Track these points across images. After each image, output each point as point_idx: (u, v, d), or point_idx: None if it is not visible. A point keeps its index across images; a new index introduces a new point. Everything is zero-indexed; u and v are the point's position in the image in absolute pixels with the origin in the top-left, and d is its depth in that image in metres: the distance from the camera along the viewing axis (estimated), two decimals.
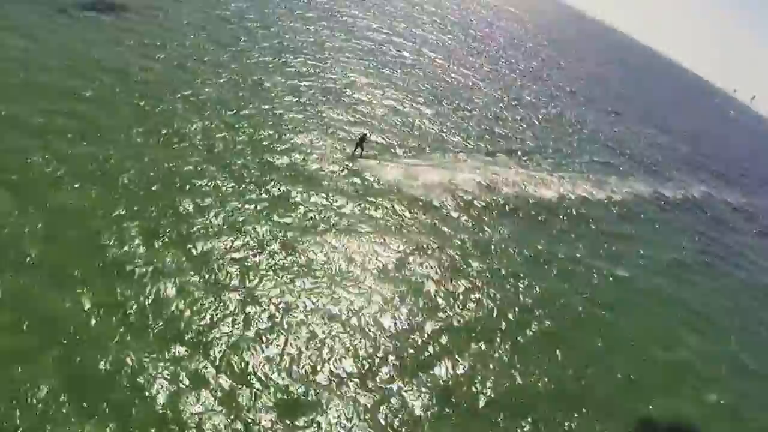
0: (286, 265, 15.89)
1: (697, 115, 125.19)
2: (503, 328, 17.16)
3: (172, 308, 12.87)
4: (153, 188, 17.14)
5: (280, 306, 14.24)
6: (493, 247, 21.76)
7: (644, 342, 20.16)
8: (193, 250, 15.00)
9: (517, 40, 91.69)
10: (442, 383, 14.00)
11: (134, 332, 11.88)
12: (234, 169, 19.77)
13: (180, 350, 11.86)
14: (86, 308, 11.98)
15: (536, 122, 44.13)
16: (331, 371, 12.97)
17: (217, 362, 11.94)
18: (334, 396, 12.35)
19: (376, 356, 13.96)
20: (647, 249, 28.84)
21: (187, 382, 11.27)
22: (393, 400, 12.93)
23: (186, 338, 12.25)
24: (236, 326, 13.09)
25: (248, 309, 13.73)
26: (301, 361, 12.90)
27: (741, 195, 53.49)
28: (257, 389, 11.72)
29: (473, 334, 16.26)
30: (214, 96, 25.15)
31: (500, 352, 16.03)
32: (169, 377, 11.19)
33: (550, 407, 14.68)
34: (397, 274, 17.59)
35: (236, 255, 15.45)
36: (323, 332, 14.04)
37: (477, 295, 18.15)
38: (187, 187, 17.85)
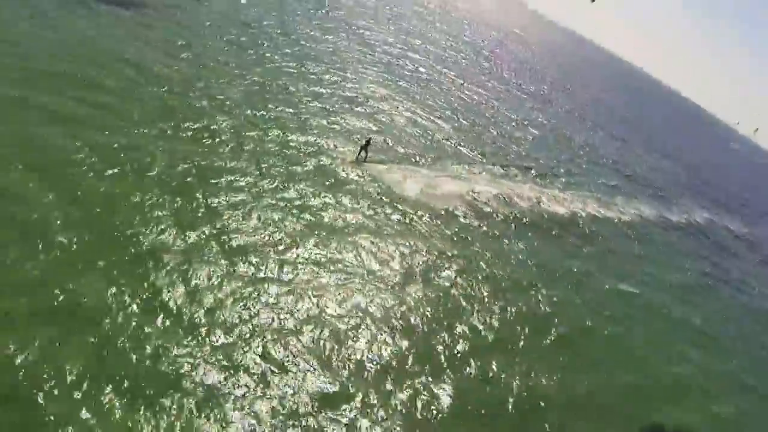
0: (319, 261, 16.46)
1: (699, 144, 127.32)
2: (520, 334, 17.74)
3: (210, 298, 13.30)
4: (187, 180, 17.65)
5: (314, 299, 14.78)
6: (512, 257, 22.46)
7: (649, 355, 20.86)
8: (228, 243, 15.45)
9: (524, 63, 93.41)
10: (460, 384, 14.51)
11: (171, 322, 12.24)
12: (264, 168, 20.33)
13: (219, 339, 12.35)
14: (121, 298, 12.16)
15: (547, 143, 45.13)
16: (361, 365, 13.47)
17: (257, 351, 12.44)
18: (363, 388, 12.85)
19: (400, 353, 14.49)
20: (653, 268, 29.64)
21: (225, 369, 11.78)
22: (417, 397, 13.46)
23: (223, 327, 12.72)
24: (272, 317, 13.62)
25: (283, 300, 14.26)
26: (335, 353, 13.41)
27: (742, 224, 54.60)
28: (295, 378, 12.25)
29: (492, 338, 16.84)
30: (240, 97, 25.74)
31: (516, 356, 16.58)
32: (208, 364, 11.66)
33: (559, 413, 15.18)
34: (422, 277, 18.19)
35: (270, 249, 15.97)
36: (354, 326, 14.59)
37: (498, 302, 18.77)
38: (220, 181, 18.32)
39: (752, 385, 22.46)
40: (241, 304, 13.53)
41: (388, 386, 13.22)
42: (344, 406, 12.09)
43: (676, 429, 17.20)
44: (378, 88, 36.80)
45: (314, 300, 14.79)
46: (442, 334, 15.95)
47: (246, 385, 11.45)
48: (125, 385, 10.35)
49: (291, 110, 26.73)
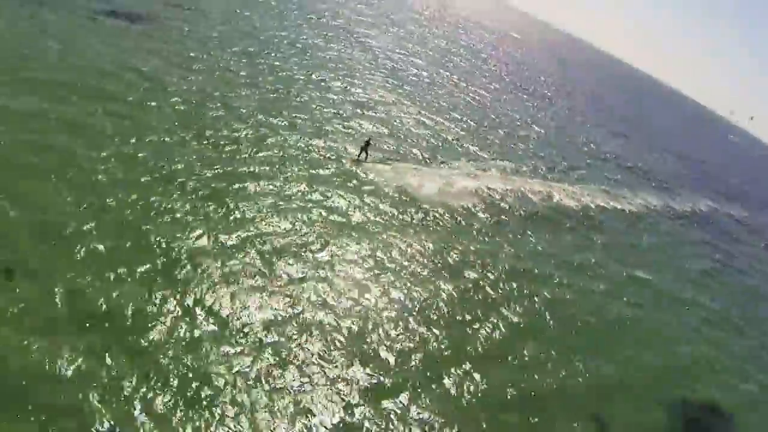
0: (352, 258, 17.20)
1: (698, 138, 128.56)
2: (548, 322, 18.52)
3: (253, 299, 13.89)
4: (214, 186, 18.10)
5: (352, 294, 15.54)
6: (531, 250, 23.25)
7: (670, 336, 21.69)
8: (263, 245, 16.00)
9: (522, 64, 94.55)
10: (498, 371, 15.19)
11: (218, 324, 12.80)
12: (288, 172, 20.89)
13: (268, 337, 13.00)
14: (164, 304, 12.41)
15: (551, 140, 46.01)
16: (404, 355, 14.15)
17: (306, 346, 13.14)
18: (410, 377, 13.55)
19: (439, 343, 15.14)
20: (663, 256, 30.52)
21: (276, 366, 12.47)
22: (460, 384, 14.17)
23: (270, 326, 13.40)
24: (316, 313, 14.34)
25: (324, 297, 14.96)
26: (379, 344, 14.11)
27: (744, 211, 55.65)
28: (344, 370, 12.97)
29: (523, 327, 17.58)
30: (256, 105, 26.35)
31: (546, 343, 17.30)
32: (259, 361, 12.33)
33: (593, 395, 15.93)
34: (450, 271, 18.89)
35: (305, 249, 16.62)
36: (394, 319, 15.30)
37: (524, 293, 19.52)
38: (246, 186, 18.87)
39: None
40: (285, 302, 14.15)
41: (433, 375, 13.88)
42: (394, 395, 12.74)
43: (704, 405, 17.92)
44: (385, 92, 37.64)
45: (352, 295, 15.47)
46: (476, 325, 16.61)
47: (299, 380, 12.04)
48: (177, 385, 10.73)
49: (306, 116, 27.41)
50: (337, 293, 15.30)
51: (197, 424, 10.16)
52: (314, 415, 11.35)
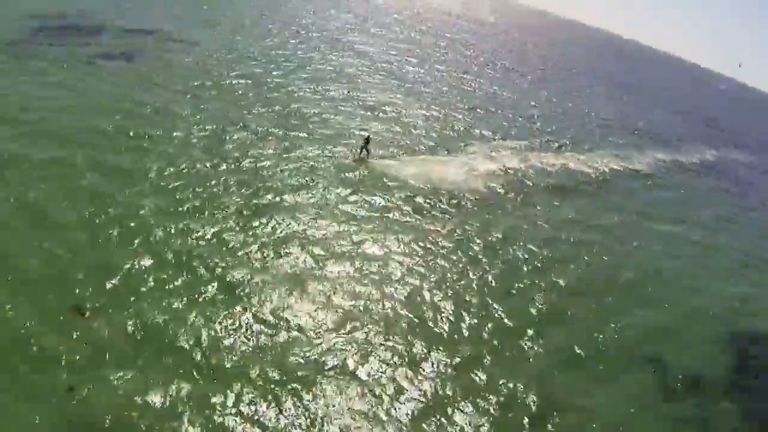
0: (402, 251, 18.31)
1: (692, 92, 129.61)
2: (594, 283, 19.69)
3: (315, 308, 14.84)
4: (254, 202, 18.84)
5: (407, 276, 16.68)
6: (562, 219, 24.50)
7: (711, 280, 22.90)
8: (312, 251, 16.75)
9: (512, 51, 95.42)
10: (560, 334, 16.33)
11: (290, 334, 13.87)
12: (319, 181, 21.72)
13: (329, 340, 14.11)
14: (235, 326, 12.80)
15: (556, 115, 47.46)
16: (475, 329, 15.23)
17: (376, 340, 14.19)
18: (482, 348, 14.66)
19: (502, 313, 16.22)
20: (682, 207, 31.99)
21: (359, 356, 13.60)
22: (528, 350, 15.32)
23: (330, 323, 14.41)
24: (378, 306, 15.46)
25: (381, 291, 16.08)
26: (435, 326, 15.24)
27: (749, 155, 56.99)
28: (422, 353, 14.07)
29: (572, 289, 18.75)
30: (271, 122, 26.91)
31: (596, 302, 18.44)
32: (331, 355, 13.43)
33: (649, 343, 17.02)
34: (495, 249, 20.08)
35: (353, 249, 17.61)
36: (454, 296, 16.39)
37: (566, 260, 20.65)
38: (285, 199, 19.62)
39: None
40: (351, 301, 15.04)
41: (504, 343, 14.99)
42: (477, 367, 13.80)
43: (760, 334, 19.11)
44: (390, 94, 38.59)
45: (413, 281, 16.57)
46: (529, 293, 17.77)
47: (376, 370, 12.87)
48: (270, 399, 11.19)
49: (322, 126, 28.17)
50: (396, 283, 16.32)
51: None
52: (403, 392, 12.39)
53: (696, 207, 32.84)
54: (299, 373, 12.01)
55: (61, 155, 18.71)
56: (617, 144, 42.37)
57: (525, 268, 19.17)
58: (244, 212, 18.10)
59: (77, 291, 12.58)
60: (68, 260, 13.56)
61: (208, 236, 16.17)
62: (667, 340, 17.52)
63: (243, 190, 19.59)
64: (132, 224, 15.69)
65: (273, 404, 11.03)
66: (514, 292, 17.61)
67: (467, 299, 16.47)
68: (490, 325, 15.47)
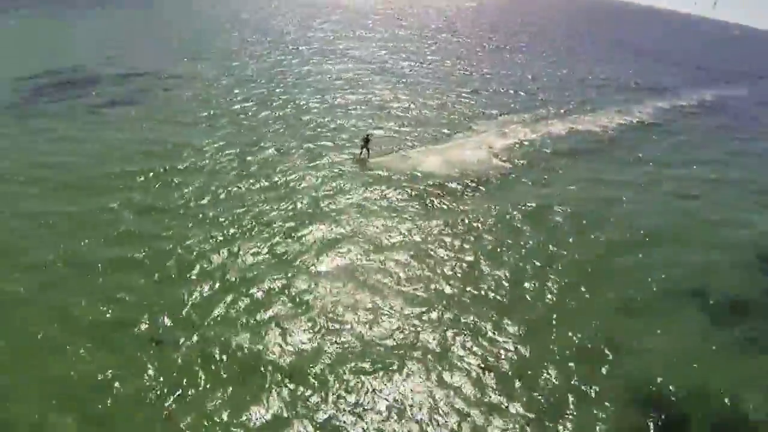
0: (449, 232, 19.50)
1: (674, 40, 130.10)
2: (628, 234, 20.77)
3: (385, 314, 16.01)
4: (299, 212, 19.79)
5: (459, 254, 17.85)
6: (584, 179, 25.71)
7: (737, 213, 24.19)
8: (338, 255, 17.30)
9: (496, 31, 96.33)
10: (608, 285, 17.61)
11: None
12: (352, 184, 22.70)
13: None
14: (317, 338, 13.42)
15: (555, 84, 48.85)
16: (523, 298, 16.42)
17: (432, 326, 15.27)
18: (533, 316, 15.84)
19: (549, 277, 17.40)
20: (692, 149, 33.23)
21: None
22: (588, 298, 16.52)
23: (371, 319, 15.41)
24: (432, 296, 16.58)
25: (445, 278, 17.23)
26: (499, 294, 16.41)
27: (741, 88, 58.95)
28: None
29: (610, 243, 19.99)
30: (290, 137, 27.58)
31: (636, 252, 19.55)
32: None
33: (688, 280, 18.12)
34: (532, 219, 21.15)
35: (405, 241, 18.72)
36: (513, 264, 17.62)
37: (599, 216, 21.92)
38: (326, 205, 20.62)
39: None
40: (419, 296, 16.31)
41: (559, 302, 16.23)
42: (543, 328, 15.06)
43: None
44: (393, 91, 39.55)
45: (468, 259, 17.74)
46: (573, 253, 18.87)
47: (461, 345, 14.27)
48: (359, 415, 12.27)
49: (340, 132, 29.13)
50: (451, 262, 17.46)
51: None
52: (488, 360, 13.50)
53: (703, 146, 34.13)
54: (387, 360, 12.86)
55: (92, 205, 19.06)
56: (618, 101, 43.55)
57: (564, 230, 20.41)
58: (289, 224, 18.87)
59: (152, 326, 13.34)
60: (133, 303, 14.18)
61: (264, 252, 16.92)
62: (706, 274, 18.64)
63: (282, 204, 20.36)
64: (188, 256, 16.32)
65: (370, 394, 11.92)
66: (564, 252, 18.80)
67: (520, 265, 17.67)
68: (547, 286, 16.60)
